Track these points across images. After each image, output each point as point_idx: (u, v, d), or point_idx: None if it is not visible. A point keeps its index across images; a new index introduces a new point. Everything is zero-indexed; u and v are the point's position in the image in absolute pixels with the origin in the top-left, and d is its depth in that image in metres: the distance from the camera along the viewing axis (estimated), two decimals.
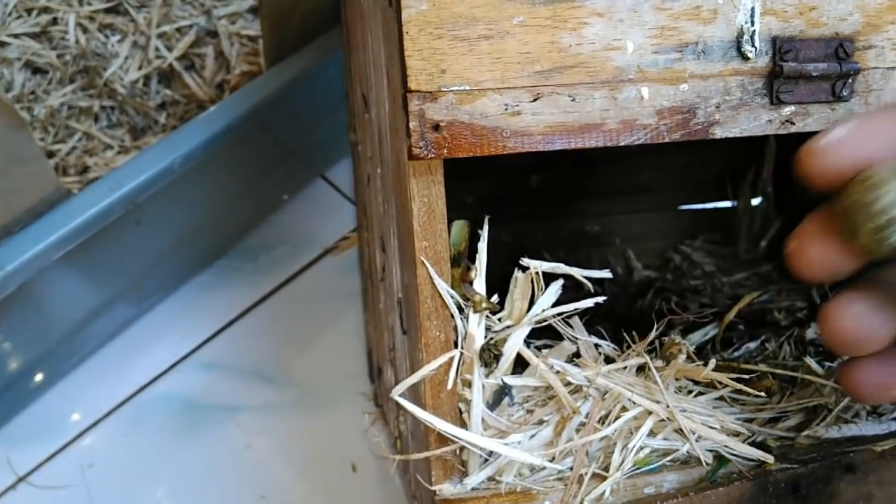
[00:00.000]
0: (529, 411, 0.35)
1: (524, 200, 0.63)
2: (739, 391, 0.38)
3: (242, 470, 0.59)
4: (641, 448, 0.35)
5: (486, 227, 0.34)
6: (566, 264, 0.36)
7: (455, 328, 0.34)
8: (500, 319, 0.36)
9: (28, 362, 0.60)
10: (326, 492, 0.58)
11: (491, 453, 0.35)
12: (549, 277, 0.36)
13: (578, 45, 0.32)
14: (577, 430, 0.35)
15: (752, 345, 0.45)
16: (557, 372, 0.35)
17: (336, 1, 0.53)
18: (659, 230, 0.66)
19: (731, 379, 0.38)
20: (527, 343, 0.35)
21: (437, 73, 0.30)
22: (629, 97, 0.32)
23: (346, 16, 0.50)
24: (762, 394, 0.39)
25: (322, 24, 0.58)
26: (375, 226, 0.47)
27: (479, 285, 0.35)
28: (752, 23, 0.33)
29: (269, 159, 0.66)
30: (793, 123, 0.34)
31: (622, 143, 0.33)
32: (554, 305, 0.35)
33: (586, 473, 0.35)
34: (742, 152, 0.66)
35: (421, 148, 0.31)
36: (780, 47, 0.33)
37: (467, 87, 0.31)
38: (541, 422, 0.35)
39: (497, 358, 0.35)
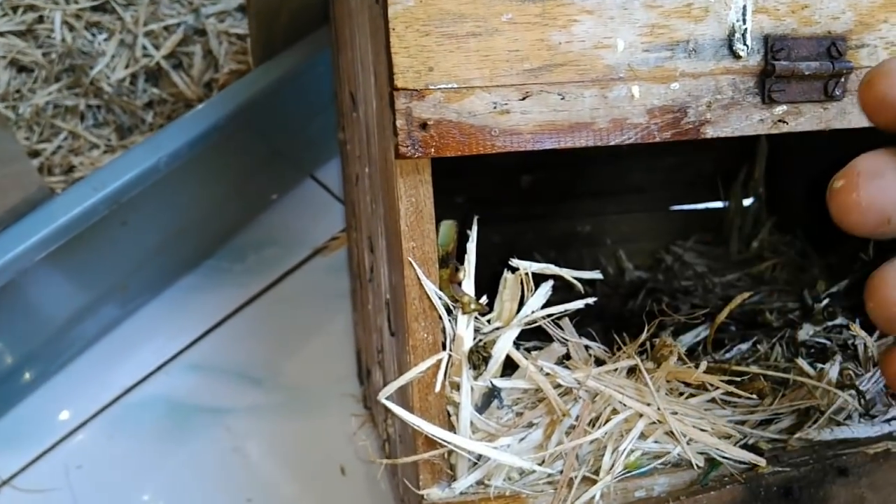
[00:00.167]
0: (519, 414, 0.35)
1: (514, 200, 0.63)
2: (731, 393, 0.38)
3: (229, 473, 0.58)
4: (632, 451, 0.35)
5: (475, 228, 0.34)
6: (557, 265, 0.36)
7: (443, 330, 0.34)
8: (489, 321, 0.35)
9: (12, 364, 0.59)
10: (315, 495, 0.57)
11: (480, 457, 0.34)
12: (539, 278, 0.35)
13: (568, 43, 0.31)
14: (567, 433, 0.35)
15: (744, 346, 0.45)
16: (547, 374, 0.35)
17: None
18: (650, 230, 0.66)
19: (723, 381, 0.37)
20: (516, 345, 0.35)
21: (425, 71, 0.30)
22: (619, 96, 0.32)
23: (334, 13, 0.50)
24: (754, 396, 0.38)
25: (310, 22, 0.58)
26: (364, 226, 0.47)
27: (468, 286, 0.34)
28: (744, 21, 0.33)
29: (258, 158, 0.65)
30: (785, 123, 0.34)
31: (612, 143, 0.32)
32: (544, 307, 0.35)
33: (576, 477, 0.34)
34: (734, 152, 0.66)
35: (408, 147, 0.30)
36: (772, 46, 0.33)
37: (455, 85, 0.30)
38: (530, 425, 0.35)
39: (486, 360, 0.35)
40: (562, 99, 0.31)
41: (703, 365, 0.37)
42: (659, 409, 0.35)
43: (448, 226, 0.34)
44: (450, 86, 0.30)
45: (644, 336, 0.38)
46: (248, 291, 0.66)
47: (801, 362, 0.41)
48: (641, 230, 0.66)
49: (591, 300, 0.35)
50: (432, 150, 0.31)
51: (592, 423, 0.35)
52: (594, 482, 0.34)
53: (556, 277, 0.35)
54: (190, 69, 0.68)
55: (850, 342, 0.44)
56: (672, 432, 0.35)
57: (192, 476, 0.58)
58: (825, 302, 0.48)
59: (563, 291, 0.36)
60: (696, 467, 0.35)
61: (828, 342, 0.45)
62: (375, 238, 0.41)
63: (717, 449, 0.36)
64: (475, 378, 0.34)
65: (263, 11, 0.55)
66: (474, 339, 0.34)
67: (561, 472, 0.34)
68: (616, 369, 0.37)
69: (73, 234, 0.50)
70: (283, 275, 0.67)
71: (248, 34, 0.66)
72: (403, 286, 0.33)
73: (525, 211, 0.63)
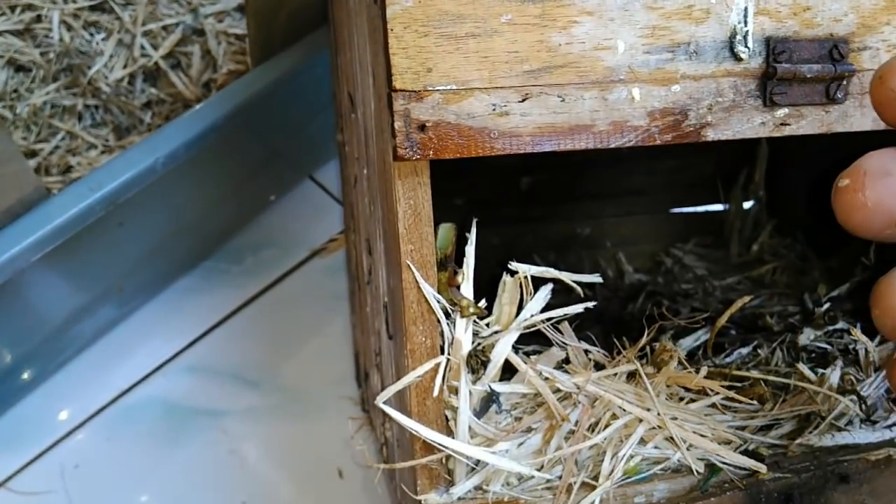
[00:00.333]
0: (517, 419, 0.35)
1: (514, 202, 0.63)
2: (731, 398, 0.38)
3: (226, 476, 0.58)
4: (632, 457, 0.35)
5: (473, 230, 0.34)
6: (556, 267, 0.35)
7: (442, 333, 0.33)
8: (487, 325, 0.35)
9: (8, 365, 0.59)
10: (312, 498, 0.57)
11: (478, 462, 0.34)
12: (538, 281, 0.35)
13: (568, 45, 0.31)
14: (567, 438, 0.34)
15: (744, 350, 0.45)
16: (546, 378, 0.35)
17: None
18: (650, 233, 0.66)
19: (723, 386, 0.37)
20: (515, 349, 0.35)
21: (423, 72, 0.30)
22: (620, 98, 0.32)
23: (333, 14, 0.50)
24: (754, 402, 0.38)
25: (309, 23, 0.57)
26: (362, 228, 0.46)
27: (467, 290, 0.34)
28: (746, 23, 0.33)
29: (256, 159, 0.65)
30: (786, 126, 0.34)
31: (612, 145, 0.32)
32: (543, 310, 0.35)
33: (575, 482, 0.34)
34: (734, 155, 0.65)
35: (406, 149, 0.30)
36: (774, 48, 0.33)
37: (454, 87, 0.30)
38: (529, 430, 0.34)
39: (484, 364, 0.34)
40: (562, 101, 0.31)
41: (704, 370, 0.37)
42: (659, 414, 0.35)
43: (447, 228, 0.33)
44: (449, 87, 0.30)
45: (644, 340, 0.38)
46: (245, 293, 0.66)
47: (802, 367, 0.40)
48: (641, 233, 0.65)
49: (590, 304, 0.35)
50: (431, 152, 0.30)
51: (592, 428, 0.35)
52: (593, 488, 0.34)
53: (555, 280, 0.35)
54: (188, 69, 0.67)
55: (851, 347, 0.44)
56: (672, 438, 0.35)
57: (188, 479, 0.58)
58: (826, 306, 0.48)
59: (562, 294, 0.36)
60: (696, 473, 0.35)
61: (829, 347, 0.44)
62: (374, 240, 0.41)
63: (718, 455, 0.35)
64: (474, 382, 0.34)
65: (262, 12, 0.54)
66: (473, 342, 0.34)
67: (560, 477, 0.34)
68: (616, 374, 0.36)
69: (70, 235, 0.49)
70: (281, 276, 0.67)
71: (247, 34, 0.66)
72: (401, 289, 0.33)
73: (524, 213, 0.63)
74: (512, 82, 0.31)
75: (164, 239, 0.61)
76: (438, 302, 0.33)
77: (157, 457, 0.59)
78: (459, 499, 0.34)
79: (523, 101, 0.31)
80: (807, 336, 0.45)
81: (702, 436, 0.35)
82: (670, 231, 0.66)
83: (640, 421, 0.35)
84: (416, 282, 0.32)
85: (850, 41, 0.34)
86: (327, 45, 0.55)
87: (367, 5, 0.34)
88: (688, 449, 0.35)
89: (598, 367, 0.38)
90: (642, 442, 0.35)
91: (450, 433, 0.34)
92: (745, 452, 0.36)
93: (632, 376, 0.37)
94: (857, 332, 0.42)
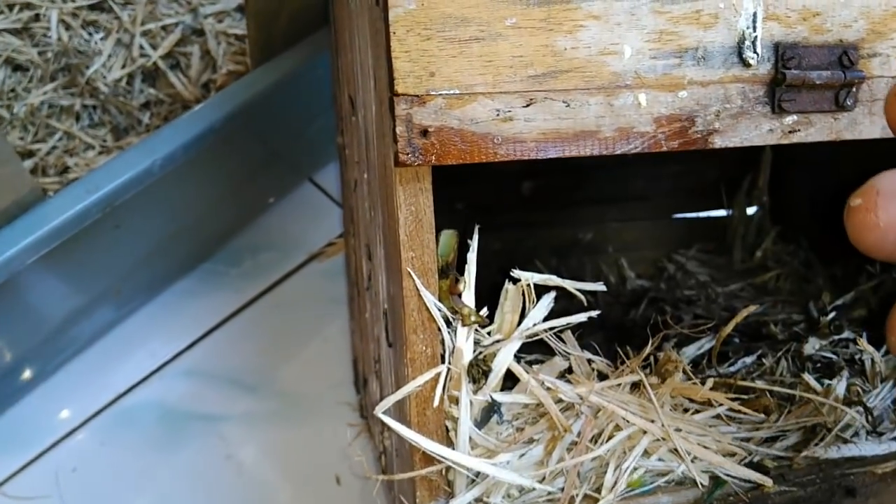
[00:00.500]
0: (519, 429, 0.34)
1: (516, 207, 0.62)
2: (736, 409, 0.37)
3: (222, 481, 0.57)
4: (635, 469, 0.34)
5: (475, 238, 0.33)
6: (558, 273, 0.35)
7: (442, 342, 0.33)
8: (489, 333, 0.34)
9: (5, 366, 0.58)
10: None
11: (478, 474, 0.33)
12: (540, 288, 0.34)
13: (574, 49, 0.30)
14: (569, 450, 0.34)
15: (749, 359, 0.44)
16: (549, 388, 0.34)
17: (325, 0, 0.52)
18: (652, 238, 0.65)
19: (728, 398, 0.36)
20: (517, 358, 0.34)
21: (426, 76, 0.29)
22: (626, 104, 0.31)
23: (334, 16, 0.49)
24: (760, 413, 0.37)
25: (310, 24, 0.57)
26: (362, 233, 0.46)
27: (468, 298, 0.33)
28: (755, 28, 0.32)
29: (255, 161, 0.64)
30: (795, 133, 0.33)
31: (618, 152, 0.31)
32: (546, 318, 0.34)
33: (578, 495, 0.34)
34: (738, 161, 0.65)
35: (408, 154, 0.29)
36: (783, 54, 0.32)
37: (457, 91, 0.30)
38: (531, 441, 0.34)
39: (486, 374, 0.34)
40: (567, 106, 0.31)
41: (710, 382, 0.36)
42: (663, 425, 0.34)
43: (448, 235, 0.33)
44: (451, 92, 0.29)
45: (647, 350, 0.37)
46: (243, 296, 0.65)
47: (808, 378, 0.40)
48: (644, 238, 0.65)
49: (594, 313, 0.34)
50: (433, 157, 0.30)
51: (595, 439, 0.34)
52: (596, 500, 0.34)
53: (557, 287, 0.35)
54: (187, 70, 0.67)
55: (857, 357, 0.43)
56: (676, 450, 0.34)
57: (184, 484, 0.57)
58: (831, 315, 0.48)
59: (564, 300, 0.35)
60: (700, 486, 0.34)
61: (834, 356, 0.44)
62: (374, 246, 0.40)
63: (722, 467, 0.35)
64: (475, 392, 0.33)
65: (262, 12, 0.54)
66: (474, 351, 0.33)
67: (562, 489, 0.34)
68: (619, 384, 0.36)
69: (67, 237, 0.49)
70: (280, 279, 0.66)
71: (247, 35, 0.65)
72: (402, 297, 0.32)
73: (526, 218, 0.62)
74: (516, 87, 0.30)
75: (162, 241, 0.61)
76: (439, 310, 0.32)
77: (152, 462, 0.58)
78: None
79: (528, 106, 0.30)
80: (812, 345, 0.45)
81: (706, 448, 0.35)
82: (673, 237, 0.65)
83: (644, 432, 0.34)
84: (417, 290, 0.32)
85: (860, 47, 0.33)
86: (328, 47, 0.54)
87: (368, 7, 0.33)
88: (692, 461, 0.34)
89: (602, 376, 0.37)
90: (646, 454, 0.35)
91: (450, 444, 0.33)
92: (750, 465, 0.35)
93: (635, 387, 0.37)
94: (863, 343, 0.41)
